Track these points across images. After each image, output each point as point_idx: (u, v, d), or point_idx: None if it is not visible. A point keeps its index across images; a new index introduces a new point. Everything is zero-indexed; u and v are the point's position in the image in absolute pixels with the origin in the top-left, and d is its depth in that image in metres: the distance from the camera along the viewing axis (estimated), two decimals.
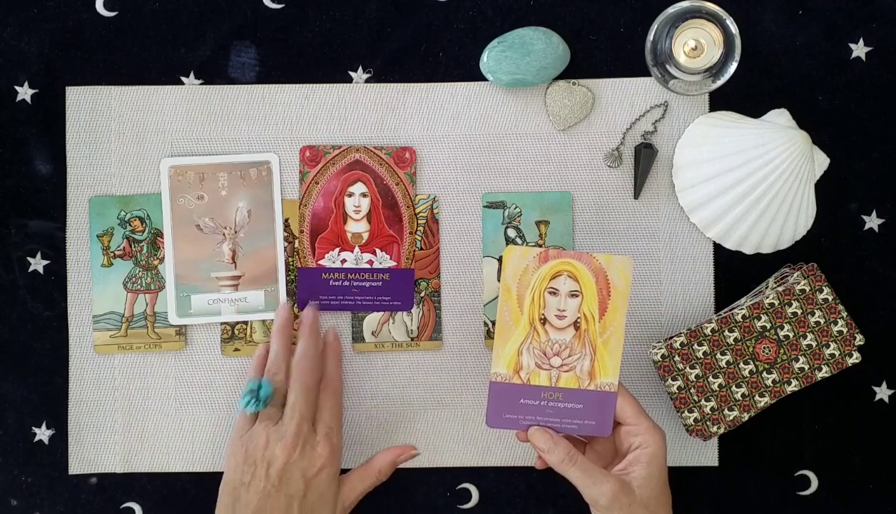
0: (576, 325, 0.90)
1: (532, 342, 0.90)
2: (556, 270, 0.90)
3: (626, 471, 0.88)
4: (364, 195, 0.99)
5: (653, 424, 0.89)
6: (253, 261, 0.98)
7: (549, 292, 0.90)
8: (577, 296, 0.90)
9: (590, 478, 0.87)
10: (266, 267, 0.98)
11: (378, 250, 0.99)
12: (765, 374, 0.94)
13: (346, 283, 0.98)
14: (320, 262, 0.98)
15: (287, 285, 0.98)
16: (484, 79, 0.99)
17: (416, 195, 0.99)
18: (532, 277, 0.90)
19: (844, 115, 1.00)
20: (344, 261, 0.99)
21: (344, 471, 0.94)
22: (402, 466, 0.97)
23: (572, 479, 0.88)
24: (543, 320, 0.90)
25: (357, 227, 0.99)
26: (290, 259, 0.98)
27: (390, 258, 0.99)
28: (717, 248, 0.99)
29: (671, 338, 0.95)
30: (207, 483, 0.98)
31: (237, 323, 0.98)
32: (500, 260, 0.98)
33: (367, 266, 0.99)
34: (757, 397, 0.95)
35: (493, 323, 0.95)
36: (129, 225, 0.98)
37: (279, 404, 0.90)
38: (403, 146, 0.99)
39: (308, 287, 0.98)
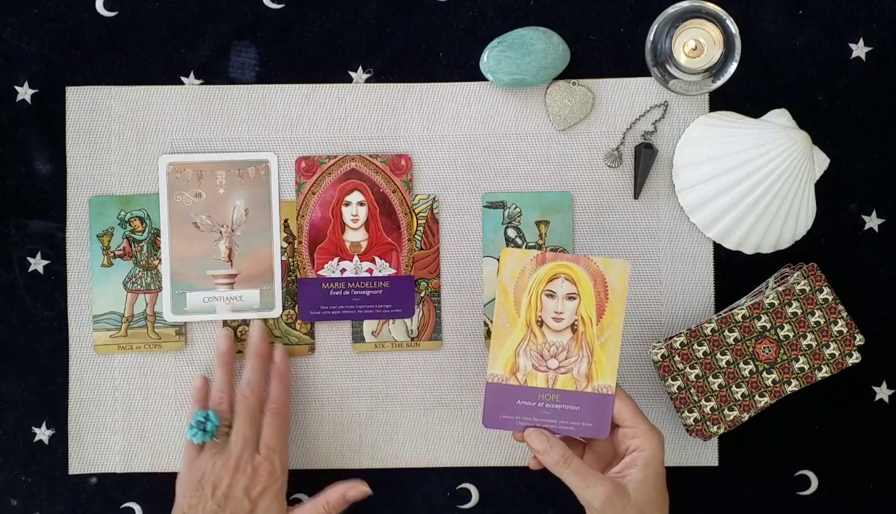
0: (573, 327, 0.90)
1: (529, 344, 0.90)
2: (554, 272, 0.90)
3: (622, 474, 0.88)
4: (361, 204, 0.99)
5: (650, 427, 0.89)
6: (249, 260, 0.98)
7: (546, 295, 0.90)
8: (574, 299, 0.90)
9: (584, 481, 0.87)
10: (262, 266, 0.98)
11: (377, 258, 0.99)
12: (765, 374, 0.94)
13: (347, 292, 0.98)
14: (320, 272, 0.98)
15: (287, 286, 0.98)
16: (484, 79, 0.99)
17: (416, 195, 0.99)
18: (529, 279, 0.90)
19: (844, 115, 0.99)
20: (343, 270, 0.98)
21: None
22: (402, 466, 0.98)
23: (567, 481, 0.88)
24: (540, 323, 0.90)
25: (355, 236, 0.99)
26: (291, 260, 0.98)
27: (389, 266, 0.99)
28: (717, 248, 0.99)
29: (671, 338, 0.95)
30: None
31: (239, 325, 0.98)
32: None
33: (367, 275, 0.98)
34: (757, 397, 0.94)
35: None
36: (129, 225, 0.98)
37: (224, 433, 0.92)
38: (399, 153, 0.99)
39: (309, 298, 0.98)
